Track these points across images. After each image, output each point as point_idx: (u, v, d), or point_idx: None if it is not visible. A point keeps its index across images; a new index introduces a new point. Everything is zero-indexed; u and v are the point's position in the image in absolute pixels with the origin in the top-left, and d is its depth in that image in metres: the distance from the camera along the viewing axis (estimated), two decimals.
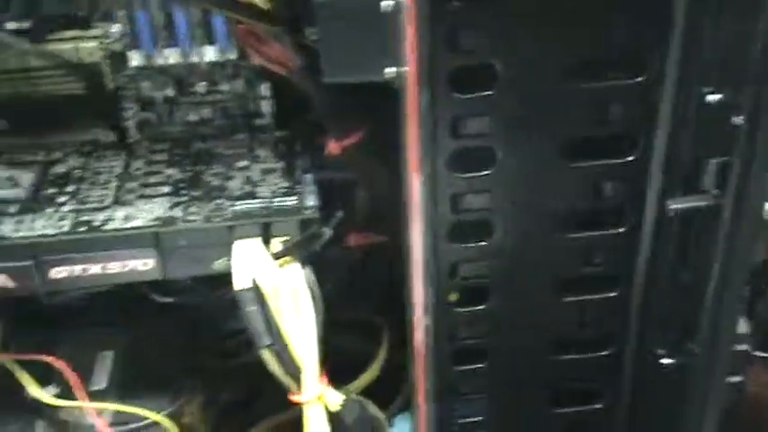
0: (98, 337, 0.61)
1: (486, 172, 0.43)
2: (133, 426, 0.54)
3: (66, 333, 0.60)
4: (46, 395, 0.54)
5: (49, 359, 0.54)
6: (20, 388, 0.55)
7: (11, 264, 0.46)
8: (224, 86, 0.55)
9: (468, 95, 0.40)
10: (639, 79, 0.41)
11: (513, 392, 0.52)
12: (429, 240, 0.44)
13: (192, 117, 0.56)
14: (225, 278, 0.60)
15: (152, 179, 0.51)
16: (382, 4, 0.38)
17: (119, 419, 0.54)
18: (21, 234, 0.46)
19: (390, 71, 0.39)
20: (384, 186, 0.55)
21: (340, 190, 0.54)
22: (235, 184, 0.50)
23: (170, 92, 0.55)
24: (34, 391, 0.54)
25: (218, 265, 0.47)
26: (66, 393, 0.55)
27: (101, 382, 0.58)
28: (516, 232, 0.46)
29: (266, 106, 0.56)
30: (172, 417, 0.55)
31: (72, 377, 0.53)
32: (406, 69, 0.38)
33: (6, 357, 0.55)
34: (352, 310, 0.61)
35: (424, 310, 0.47)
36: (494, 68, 0.40)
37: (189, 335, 0.62)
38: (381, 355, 0.60)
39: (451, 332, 0.49)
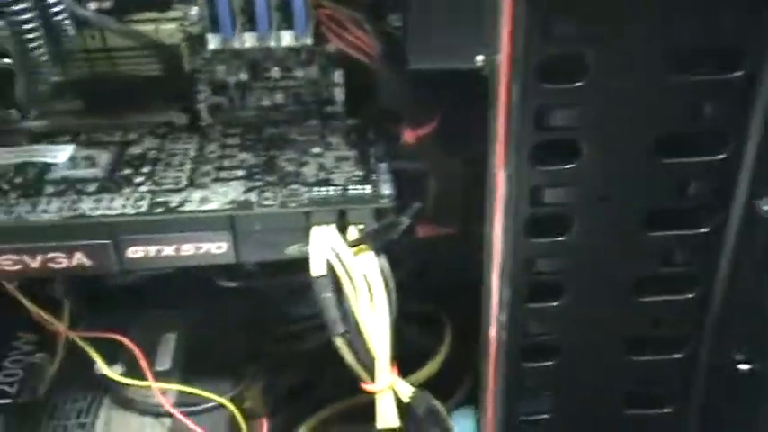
0: (162, 319, 0.61)
1: (569, 165, 0.42)
2: (197, 407, 0.54)
3: (131, 314, 0.61)
4: (114, 372, 0.54)
5: (119, 338, 0.55)
6: (88, 365, 0.56)
7: (88, 242, 0.46)
8: (298, 72, 0.55)
9: (558, 86, 0.40)
10: (736, 74, 0.40)
11: (582, 392, 0.51)
12: (510, 235, 0.44)
13: (265, 102, 0.56)
14: (289, 264, 0.61)
15: (226, 163, 0.51)
16: None
17: (182, 401, 0.55)
18: (99, 212, 0.46)
19: (481, 58, 0.38)
20: (454, 178, 0.54)
21: (409, 180, 0.54)
22: (309, 171, 0.49)
23: (244, 76, 0.54)
24: (103, 367, 0.54)
25: (291, 250, 0.47)
26: (132, 372, 0.55)
27: (164, 363, 0.58)
28: (595, 228, 0.45)
29: (338, 93, 0.55)
30: (233, 401, 0.56)
31: (140, 356, 0.54)
32: (497, 57, 0.38)
33: (77, 334, 0.56)
34: (414, 302, 0.61)
35: (499, 305, 0.46)
36: (584, 59, 0.39)
37: (252, 320, 0.62)
38: (444, 349, 0.60)
39: (523, 328, 0.48)
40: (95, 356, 0.55)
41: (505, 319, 0.47)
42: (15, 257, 0.46)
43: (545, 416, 0.52)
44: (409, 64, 0.39)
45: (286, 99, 0.56)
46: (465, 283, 0.58)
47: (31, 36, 0.35)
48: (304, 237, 0.47)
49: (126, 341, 0.55)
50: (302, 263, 0.59)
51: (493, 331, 0.47)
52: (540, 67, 0.39)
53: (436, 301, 0.63)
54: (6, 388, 0.56)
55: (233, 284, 0.60)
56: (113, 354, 0.56)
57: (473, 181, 0.51)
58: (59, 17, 0.37)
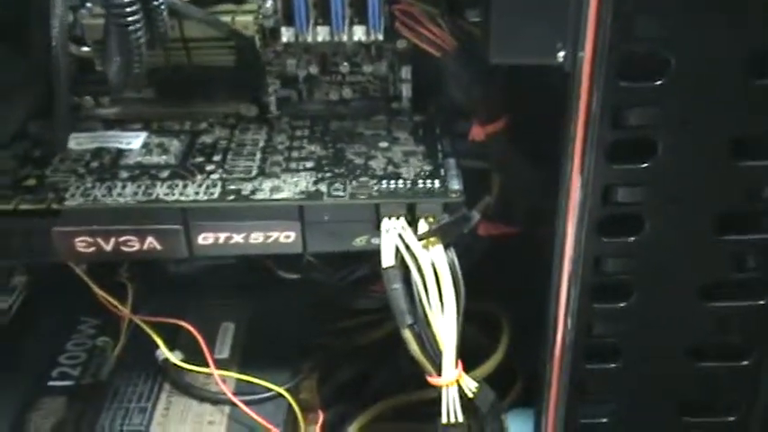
0: (221, 308, 0.62)
1: (643, 165, 0.42)
2: (256, 396, 0.54)
3: (191, 303, 0.61)
4: (176, 358, 0.55)
5: (182, 323, 0.55)
6: (149, 350, 0.57)
7: (161, 226, 0.47)
8: (366, 68, 0.55)
9: (638, 84, 0.39)
10: None
11: (644, 396, 0.51)
12: (580, 234, 0.44)
13: (332, 96, 0.56)
14: (349, 258, 0.61)
15: (294, 154, 0.51)
16: None
17: (241, 389, 0.55)
18: (173, 198, 0.47)
19: (562, 54, 0.39)
20: (519, 175, 0.54)
21: (474, 177, 0.54)
22: (377, 164, 0.50)
23: (313, 70, 0.55)
24: (164, 353, 0.55)
25: (359, 242, 0.48)
26: (191, 359, 0.56)
27: (222, 351, 0.59)
28: (667, 229, 0.44)
29: (406, 90, 0.56)
30: (290, 392, 0.56)
31: (202, 343, 0.54)
32: (581, 54, 0.38)
33: (140, 318, 0.57)
34: (474, 300, 0.61)
35: (566, 305, 0.46)
36: (665, 58, 0.39)
37: (309, 312, 0.62)
38: (502, 348, 0.59)
39: (588, 329, 0.48)
40: (158, 341, 0.55)
41: (572, 319, 0.47)
42: (90, 239, 0.47)
43: (604, 420, 0.52)
44: (491, 59, 0.39)
45: (353, 94, 0.56)
46: (523, 283, 0.58)
47: (130, 19, 0.35)
48: (371, 229, 0.47)
49: (189, 326, 0.55)
50: (362, 257, 0.60)
51: (559, 331, 0.47)
52: (622, 66, 0.39)
53: (495, 301, 0.63)
54: (69, 370, 0.57)
55: (293, 276, 0.60)
56: (174, 340, 0.57)
57: (540, 179, 0.52)
58: (156, 2, 0.38)
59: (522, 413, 0.59)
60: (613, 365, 0.49)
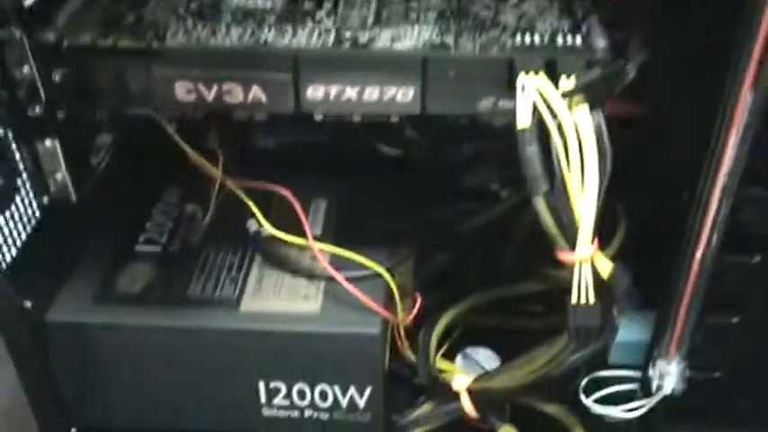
0: (315, 184, 0.58)
1: None
2: (353, 273, 0.51)
3: (282, 177, 0.57)
4: (270, 227, 0.51)
5: (278, 189, 0.51)
6: (240, 219, 0.53)
7: (268, 75, 0.42)
8: None
9: None
10: None
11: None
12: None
13: None
14: (461, 134, 0.56)
15: (414, 4, 0.46)
16: None
17: (337, 266, 0.51)
18: (282, 43, 0.42)
19: None
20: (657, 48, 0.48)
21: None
22: (508, 19, 0.44)
23: None
24: (260, 220, 0.51)
25: (484, 105, 0.43)
26: (284, 231, 0.52)
27: (315, 228, 0.55)
28: None
29: None
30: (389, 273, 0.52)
31: (299, 210, 0.50)
32: None
33: (233, 183, 0.53)
34: None
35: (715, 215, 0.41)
36: None
37: (408, 193, 0.58)
38: (615, 244, 0.54)
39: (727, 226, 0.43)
40: (252, 207, 0.51)
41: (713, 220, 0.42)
42: (191, 86, 0.43)
43: (734, 319, 0.47)
44: None
45: None
46: (643, 171, 0.53)
47: None
48: (501, 89, 0.42)
49: (285, 192, 0.51)
50: (472, 133, 0.55)
51: (706, 226, 0.42)
52: None
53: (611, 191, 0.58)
54: (156, 237, 0.54)
55: (394, 152, 0.56)
56: (265, 213, 0.53)
57: (680, 59, 0.46)
58: None
59: (634, 316, 0.54)
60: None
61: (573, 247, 0.40)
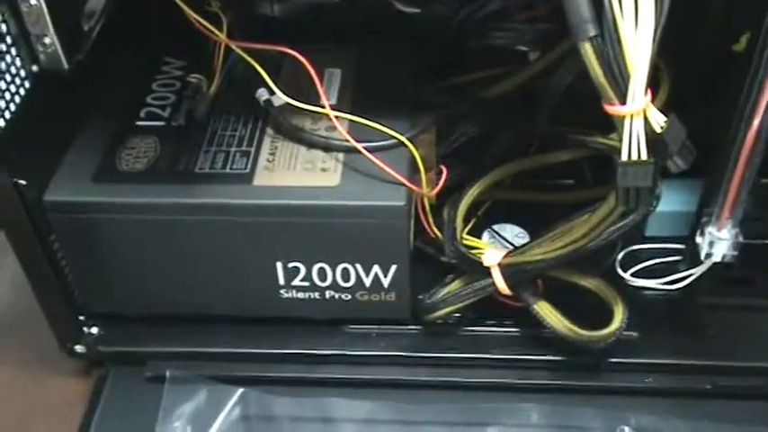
0: (326, 52, 0.53)
1: None
2: (373, 143, 0.47)
3: (290, 46, 0.52)
4: (282, 95, 0.47)
5: (287, 50, 0.47)
6: (248, 90, 0.49)
7: None
8: None
9: None
10: None
11: None
12: None
13: None
14: None
15: None
16: None
17: (356, 136, 0.47)
18: None
19: None
20: None
21: None
22: None
23: None
24: (267, 92, 0.47)
25: None
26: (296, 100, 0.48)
27: (330, 99, 0.51)
28: None
29: None
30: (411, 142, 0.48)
31: (313, 74, 0.46)
32: None
33: (239, 46, 0.48)
34: None
35: None
36: None
37: (429, 57, 0.53)
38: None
39: None
40: (262, 73, 0.47)
41: None
42: None
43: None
44: None
45: None
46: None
47: None
48: None
49: (297, 55, 0.46)
50: None
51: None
52: None
53: None
54: (159, 111, 0.50)
55: (413, 10, 0.50)
56: (274, 80, 0.49)
57: None
58: None
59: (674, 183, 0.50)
60: None
61: (623, 99, 0.36)
